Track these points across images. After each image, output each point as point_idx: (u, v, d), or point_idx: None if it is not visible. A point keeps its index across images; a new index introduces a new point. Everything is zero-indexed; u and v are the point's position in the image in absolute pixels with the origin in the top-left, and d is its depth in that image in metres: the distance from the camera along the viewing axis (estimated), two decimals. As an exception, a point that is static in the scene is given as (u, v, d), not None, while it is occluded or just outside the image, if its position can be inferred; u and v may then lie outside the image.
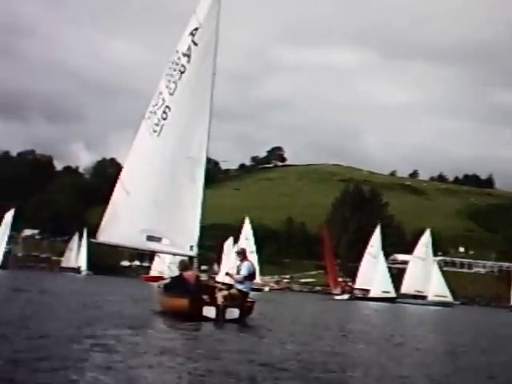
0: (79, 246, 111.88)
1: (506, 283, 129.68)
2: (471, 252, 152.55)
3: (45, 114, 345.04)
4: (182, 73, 21.30)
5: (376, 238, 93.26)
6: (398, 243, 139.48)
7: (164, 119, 21.29)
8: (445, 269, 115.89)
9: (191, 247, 20.74)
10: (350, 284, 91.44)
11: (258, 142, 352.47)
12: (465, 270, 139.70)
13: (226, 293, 19.52)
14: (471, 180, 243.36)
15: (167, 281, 21.30)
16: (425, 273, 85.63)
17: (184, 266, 20.60)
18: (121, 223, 20.94)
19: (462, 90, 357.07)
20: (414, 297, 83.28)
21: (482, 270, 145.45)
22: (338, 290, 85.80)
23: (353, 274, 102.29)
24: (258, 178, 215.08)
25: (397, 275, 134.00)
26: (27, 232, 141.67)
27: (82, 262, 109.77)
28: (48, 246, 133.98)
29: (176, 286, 19.88)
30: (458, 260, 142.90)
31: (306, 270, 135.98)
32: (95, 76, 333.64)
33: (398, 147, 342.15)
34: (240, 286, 19.98)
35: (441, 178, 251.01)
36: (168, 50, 22.28)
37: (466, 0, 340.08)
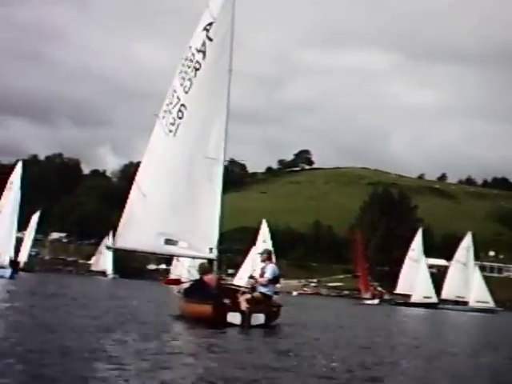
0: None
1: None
2: (501, 256, 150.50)
3: (72, 118, 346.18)
4: (197, 70, 20.51)
5: (417, 242, 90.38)
6: (428, 247, 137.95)
7: (180, 118, 20.53)
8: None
9: (210, 249, 19.92)
10: (379, 288, 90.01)
11: (284, 145, 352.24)
12: (495, 275, 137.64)
13: (248, 296, 18.81)
14: (500, 183, 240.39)
15: (187, 285, 20.56)
16: (466, 277, 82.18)
17: (203, 269, 19.87)
18: (137, 227, 20.19)
19: (491, 92, 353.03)
20: (456, 302, 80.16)
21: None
22: (368, 295, 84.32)
23: (381, 278, 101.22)
24: (285, 182, 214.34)
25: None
26: (54, 235, 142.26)
27: (107, 265, 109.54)
28: (75, 249, 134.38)
29: (197, 290, 19.18)
30: (487, 264, 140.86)
31: (334, 273, 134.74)
32: (122, 80, 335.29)
33: (426, 150, 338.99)
34: (263, 290, 19.28)
35: (469, 182, 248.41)
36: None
37: (495, 2, 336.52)
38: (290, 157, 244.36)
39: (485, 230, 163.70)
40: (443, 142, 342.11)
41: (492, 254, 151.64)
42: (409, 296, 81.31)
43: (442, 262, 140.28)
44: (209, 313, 17.90)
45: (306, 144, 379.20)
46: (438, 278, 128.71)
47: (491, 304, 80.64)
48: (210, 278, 19.31)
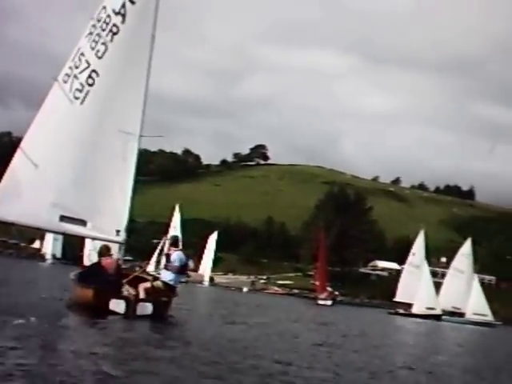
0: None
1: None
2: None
3: (24, 100, 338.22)
4: (114, 34, 18.43)
5: (419, 245, 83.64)
6: (379, 250, 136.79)
7: (90, 85, 18.37)
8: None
9: (118, 232, 18.27)
10: (329, 289, 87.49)
11: (238, 139, 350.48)
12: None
13: (148, 285, 17.20)
14: (452, 190, 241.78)
15: (83, 269, 19.25)
16: (464, 287, 75.65)
17: (102, 252, 18.04)
18: (24, 199, 17.77)
19: (446, 100, 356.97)
20: (452, 313, 74.10)
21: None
22: (324, 295, 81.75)
23: (332, 279, 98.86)
24: (239, 175, 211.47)
25: (377, 282, 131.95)
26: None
27: (47, 249, 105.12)
28: (17, 231, 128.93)
29: (91, 274, 17.35)
30: (439, 270, 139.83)
31: (284, 271, 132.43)
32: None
33: (379, 154, 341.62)
34: (168, 278, 17.58)
35: (422, 187, 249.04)
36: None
37: (452, 11, 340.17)
38: (245, 151, 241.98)
39: (437, 235, 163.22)
40: (397, 146, 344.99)
41: (444, 260, 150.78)
42: (409, 305, 74.81)
43: (393, 265, 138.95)
44: (89, 298, 16.29)
45: (261, 140, 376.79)
46: (389, 281, 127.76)
47: (490, 317, 76.03)
48: (109, 263, 17.60)
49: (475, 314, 74.50)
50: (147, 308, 16.43)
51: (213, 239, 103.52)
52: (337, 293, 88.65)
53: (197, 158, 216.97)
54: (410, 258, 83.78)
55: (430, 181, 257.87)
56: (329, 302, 77.70)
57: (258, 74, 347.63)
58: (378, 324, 43.06)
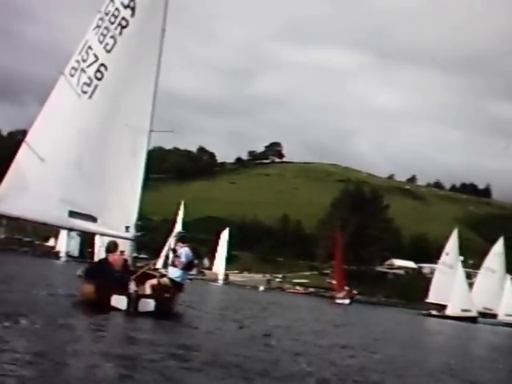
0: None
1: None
2: (470, 261, 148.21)
3: (39, 98, 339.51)
4: (123, 27, 18.09)
5: (452, 244, 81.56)
6: (396, 248, 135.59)
7: (98, 79, 18.00)
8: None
9: (127, 228, 18.06)
10: (348, 288, 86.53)
11: (252, 138, 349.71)
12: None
13: (154, 282, 17.00)
14: (468, 189, 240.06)
15: (90, 265, 19.09)
16: (496, 287, 73.04)
17: (109, 248, 17.80)
18: (31, 194, 17.36)
19: (459, 99, 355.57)
20: (483, 315, 71.09)
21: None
22: (342, 294, 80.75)
23: (349, 277, 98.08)
24: (254, 173, 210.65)
25: (394, 281, 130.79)
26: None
27: (61, 247, 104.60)
28: (32, 229, 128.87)
29: (98, 271, 17.21)
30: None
31: (300, 270, 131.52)
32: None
33: (393, 152, 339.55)
34: (175, 275, 17.30)
35: (437, 185, 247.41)
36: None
37: (464, 8, 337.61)
38: (260, 149, 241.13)
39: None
40: (410, 144, 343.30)
41: (461, 258, 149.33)
42: (443, 306, 71.75)
43: (410, 263, 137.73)
44: (91, 294, 16.28)
45: (276, 138, 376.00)
46: (405, 280, 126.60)
47: None
48: (116, 259, 17.37)
49: (507, 315, 71.72)
50: (149, 304, 16.07)
51: (225, 236, 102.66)
52: (355, 292, 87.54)
53: (211, 155, 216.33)
54: (443, 258, 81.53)
55: (446, 179, 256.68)
56: (347, 301, 76.80)
57: (271, 72, 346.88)
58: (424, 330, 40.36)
